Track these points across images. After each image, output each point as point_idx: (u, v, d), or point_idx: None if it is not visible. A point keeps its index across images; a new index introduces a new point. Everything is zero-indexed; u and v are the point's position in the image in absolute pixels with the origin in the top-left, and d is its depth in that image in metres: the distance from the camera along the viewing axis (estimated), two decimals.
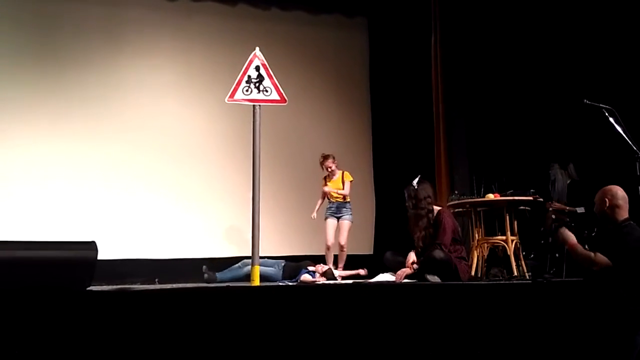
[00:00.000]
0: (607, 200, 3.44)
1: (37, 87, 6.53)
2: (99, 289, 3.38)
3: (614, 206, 3.42)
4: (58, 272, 3.03)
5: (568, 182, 5.49)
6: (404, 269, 4.73)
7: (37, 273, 2.97)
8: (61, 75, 6.63)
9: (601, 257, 3.43)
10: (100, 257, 3.21)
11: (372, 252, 7.17)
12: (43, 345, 2.89)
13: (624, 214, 3.42)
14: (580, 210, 4.92)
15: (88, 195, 6.48)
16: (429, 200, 4.79)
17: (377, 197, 7.57)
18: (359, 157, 7.60)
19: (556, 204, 5.22)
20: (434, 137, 6.77)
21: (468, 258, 5.11)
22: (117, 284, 4.40)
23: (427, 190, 4.84)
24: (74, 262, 3.11)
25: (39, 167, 6.39)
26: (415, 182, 4.86)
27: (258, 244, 4.14)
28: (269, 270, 5.56)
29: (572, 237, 3.52)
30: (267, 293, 3.65)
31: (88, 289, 3.16)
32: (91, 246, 3.18)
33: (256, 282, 4.07)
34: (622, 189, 3.48)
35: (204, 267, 5.62)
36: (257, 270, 4.08)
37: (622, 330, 3.25)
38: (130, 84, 6.87)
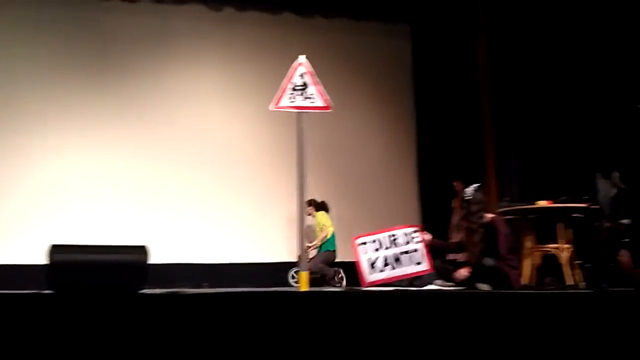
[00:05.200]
0: None
1: (89, 97, 6.74)
2: (151, 292, 3.43)
3: None
4: (113, 275, 3.11)
5: (614, 192, 5.21)
6: (462, 270, 4.56)
7: (94, 275, 3.06)
8: (112, 86, 6.83)
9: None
10: (152, 261, 3.27)
11: None
12: (98, 345, 2.95)
13: None
14: (627, 222, 4.68)
15: (139, 201, 6.64)
16: (480, 215, 4.58)
17: (423, 207, 7.44)
18: (403, 164, 7.55)
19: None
20: (483, 143, 6.65)
21: (519, 267, 4.96)
22: (166, 287, 4.47)
23: (480, 203, 4.59)
24: (127, 265, 3.18)
25: (95, 175, 6.59)
26: (470, 190, 4.62)
27: (305, 251, 4.13)
28: None
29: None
30: (315, 299, 3.64)
31: (141, 291, 3.22)
32: (143, 250, 3.25)
33: (304, 287, 4.05)
34: None
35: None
36: (304, 276, 4.07)
37: None
38: (177, 93, 7.02)
